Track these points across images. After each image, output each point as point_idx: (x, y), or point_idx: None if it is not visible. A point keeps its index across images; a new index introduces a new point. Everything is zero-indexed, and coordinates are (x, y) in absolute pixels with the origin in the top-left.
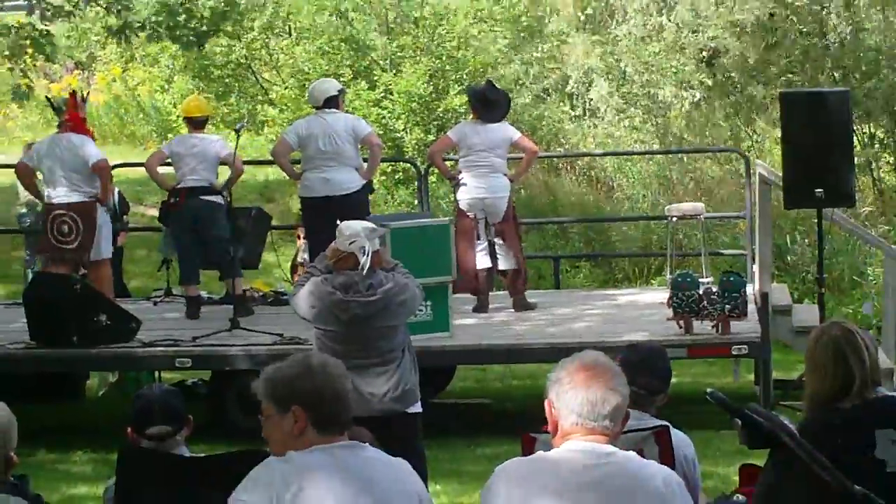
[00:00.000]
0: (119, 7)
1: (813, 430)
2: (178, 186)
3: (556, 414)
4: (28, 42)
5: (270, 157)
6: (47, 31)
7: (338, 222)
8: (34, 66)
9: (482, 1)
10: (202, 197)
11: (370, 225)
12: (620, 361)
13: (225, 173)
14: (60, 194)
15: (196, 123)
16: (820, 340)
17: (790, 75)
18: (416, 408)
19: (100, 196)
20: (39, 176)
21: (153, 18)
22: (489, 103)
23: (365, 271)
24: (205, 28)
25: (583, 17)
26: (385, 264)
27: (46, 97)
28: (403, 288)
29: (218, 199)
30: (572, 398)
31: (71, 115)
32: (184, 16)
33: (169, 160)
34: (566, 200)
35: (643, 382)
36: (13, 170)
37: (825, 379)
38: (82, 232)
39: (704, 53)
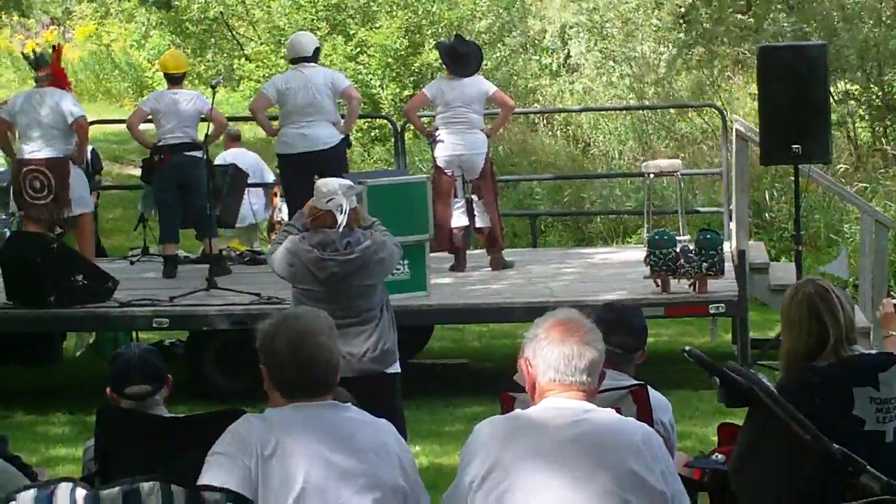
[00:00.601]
0: None
1: (790, 389)
2: (161, 144)
3: (534, 371)
4: None
5: (247, 114)
6: None
7: (315, 178)
8: (9, 22)
9: None
10: (186, 153)
11: (347, 182)
12: (595, 320)
13: (205, 129)
14: (34, 149)
15: (174, 79)
16: (795, 297)
17: (755, 33)
18: (395, 368)
19: (74, 154)
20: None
21: None
22: (460, 57)
23: (342, 229)
24: None
25: None
26: (362, 222)
27: (22, 53)
28: (381, 246)
29: (200, 154)
30: (549, 353)
31: (55, 68)
32: None
33: (150, 117)
34: (543, 157)
35: (618, 341)
36: None
37: (800, 336)
38: (55, 188)
39: (682, 9)
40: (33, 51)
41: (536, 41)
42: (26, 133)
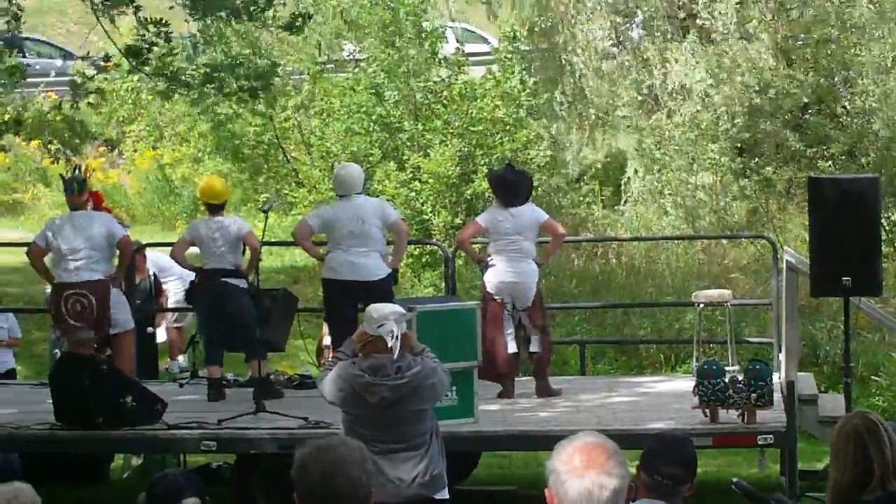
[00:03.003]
0: (167, 70)
1: None
2: (202, 269)
3: None
4: (61, 124)
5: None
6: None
7: (359, 306)
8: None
9: (508, 82)
10: (223, 279)
11: (399, 309)
12: (646, 451)
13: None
14: (74, 274)
15: (214, 208)
16: (842, 430)
17: (806, 159)
18: (444, 494)
19: (115, 274)
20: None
21: (202, 72)
22: (510, 186)
23: (396, 355)
24: (254, 84)
25: (617, 102)
26: (413, 348)
27: (62, 177)
28: (432, 372)
29: (241, 282)
30: (569, 489)
31: (91, 192)
32: (231, 73)
33: (194, 244)
34: (596, 284)
35: (668, 472)
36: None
37: (846, 468)
38: (97, 310)
39: (739, 144)
40: (74, 177)
41: (594, 170)
42: (66, 257)
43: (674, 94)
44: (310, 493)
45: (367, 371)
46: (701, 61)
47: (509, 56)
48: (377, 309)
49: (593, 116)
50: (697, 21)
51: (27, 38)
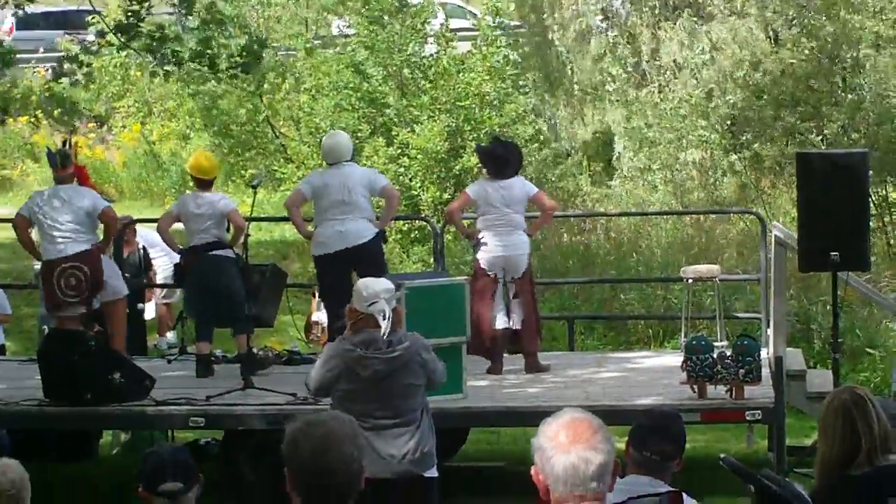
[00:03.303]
0: (161, 48)
1: (824, 497)
2: (189, 246)
3: (544, 481)
4: (48, 100)
5: (286, 214)
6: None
7: (353, 274)
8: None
9: (494, 56)
10: (211, 252)
11: (389, 285)
12: (635, 427)
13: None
14: (62, 248)
15: (203, 184)
16: (831, 404)
17: (800, 135)
18: (433, 472)
19: (102, 245)
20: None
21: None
22: (499, 159)
23: (385, 333)
24: (243, 61)
25: (605, 78)
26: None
27: (48, 150)
28: (423, 347)
29: (228, 252)
30: (555, 465)
31: (76, 166)
32: (217, 49)
33: (179, 219)
34: (584, 260)
35: (657, 448)
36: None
37: (833, 442)
38: (90, 280)
39: (729, 122)
40: (59, 150)
41: (581, 146)
42: (51, 231)
43: (663, 70)
44: (301, 468)
45: (359, 345)
46: (697, 38)
47: (492, 28)
48: (367, 286)
49: (577, 91)
50: None
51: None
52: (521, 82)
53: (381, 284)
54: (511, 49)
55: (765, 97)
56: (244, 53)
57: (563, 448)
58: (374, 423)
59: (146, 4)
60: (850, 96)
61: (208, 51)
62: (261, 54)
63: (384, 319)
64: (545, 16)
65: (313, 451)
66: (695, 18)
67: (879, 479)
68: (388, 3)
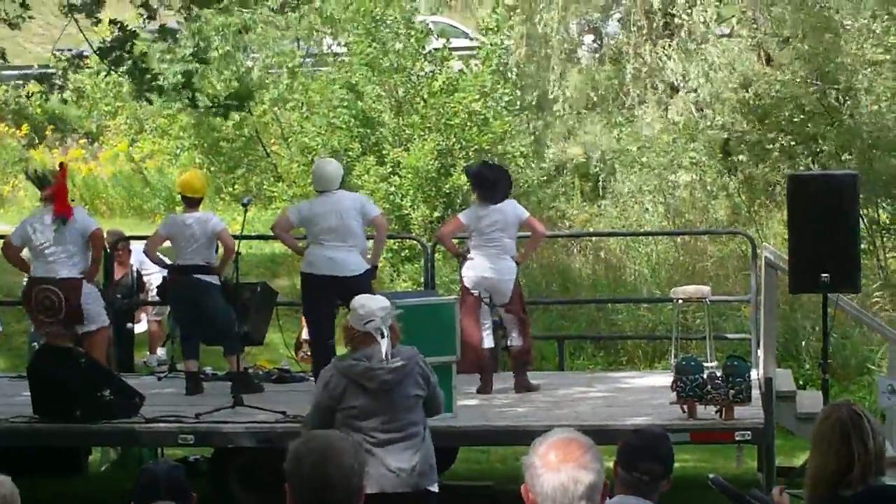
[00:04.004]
0: (143, 75)
1: None
2: (175, 264)
3: (534, 499)
4: (40, 114)
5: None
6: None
7: (337, 302)
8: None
9: (485, 75)
10: (196, 275)
11: (384, 303)
12: (623, 446)
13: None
14: (48, 269)
15: (191, 203)
16: (827, 419)
17: (791, 159)
18: (435, 487)
19: (89, 269)
20: (25, 251)
21: (174, 80)
22: (488, 183)
23: (384, 351)
24: (227, 102)
25: (595, 97)
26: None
27: (25, 173)
28: (422, 359)
29: (213, 278)
30: (545, 484)
31: (57, 187)
32: (200, 88)
33: (168, 239)
34: (574, 280)
35: (646, 468)
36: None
37: (828, 459)
38: (66, 306)
39: (721, 145)
40: (35, 170)
41: (570, 166)
42: (41, 253)
43: (654, 89)
44: (302, 483)
45: (363, 358)
46: (689, 61)
47: (493, 47)
48: (363, 305)
49: (567, 111)
50: (676, 20)
51: None
52: (508, 99)
53: (378, 303)
54: (503, 68)
55: (757, 121)
56: (228, 97)
57: (554, 467)
58: (382, 439)
59: (131, 37)
60: (845, 119)
61: (191, 84)
62: (245, 102)
63: (382, 337)
64: (536, 32)
65: (314, 464)
66: (685, 39)
67: (871, 499)
68: (393, 21)
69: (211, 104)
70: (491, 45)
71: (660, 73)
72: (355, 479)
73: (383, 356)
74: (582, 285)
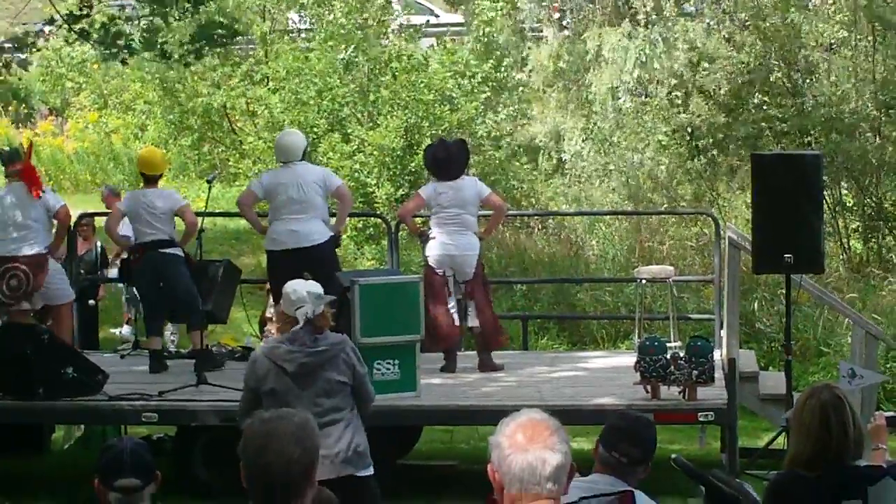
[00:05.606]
0: (115, 38)
1: (781, 491)
2: (137, 243)
3: (500, 479)
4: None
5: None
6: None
7: (305, 274)
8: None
9: (456, 54)
10: (161, 250)
11: (316, 289)
12: (606, 427)
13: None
14: (13, 247)
15: (150, 179)
16: (808, 402)
17: (754, 139)
18: (369, 471)
19: (52, 245)
20: None
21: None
22: (440, 162)
23: (309, 340)
24: (198, 46)
25: (553, 70)
26: (329, 326)
27: None
28: (351, 348)
29: (177, 251)
30: (512, 463)
31: (26, 164)
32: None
33: (127, 217)
34: (536, 260)
35: (625, 450)
36: None
37: (807, 441)
38: (32, 284)
39: (688, 128)
40: (5, 146)
41: (536, 144)
42: (6, 229)
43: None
44: (247, 465)
45: (284, 342)
46: (635, 42)
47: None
48: (295, 290)
49: (530, 90)
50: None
51: None
52: (478, 77)
53: (308, 288)
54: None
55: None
56: (194, 38)
57: (521, 447)
58: None
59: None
60: (807, 101)
61: (158, 38)
62: (214, 33)
63: (308, 323)
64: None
65: (256, 449)
66: (643, 19)
67: (834, 482)
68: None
69: (182, 49)
70: (479, 22)
71: (617, 52)
72: (296, 465)
73: (306, 339)
74: (543, 263)
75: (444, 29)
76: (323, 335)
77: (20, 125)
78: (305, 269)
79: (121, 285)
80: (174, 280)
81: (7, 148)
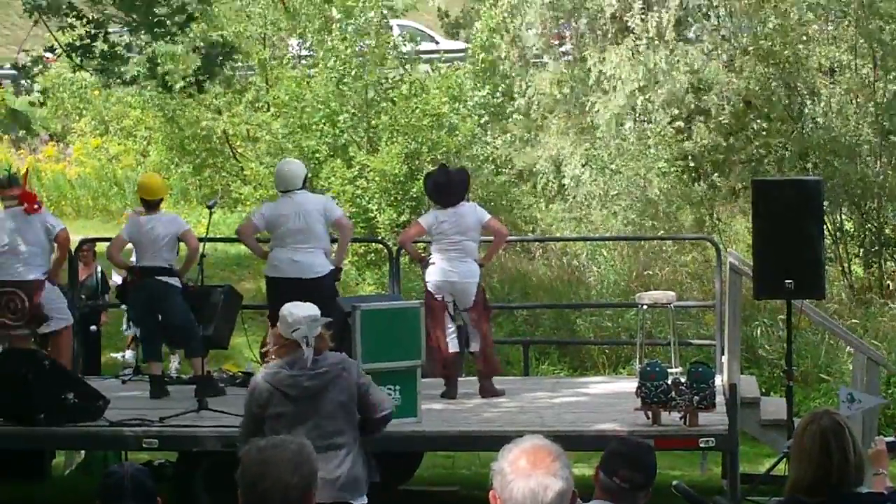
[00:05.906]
0: (114, 60)
1: None
2: (136, 265)
3: None
4: (4, 113)
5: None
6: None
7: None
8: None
9: (452, 78)
10: (157, 277)
11: (313, 312)
12: (607, 452)
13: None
14: (14, 273)
15: (150, 205)
16: (808, 428)
17: (755, 164)
18: (363, 500)
19: (51, 270)
20: None
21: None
22: (441, 188)
23: (309, 363)
24: (199, 77)
25: (559, 97)
26: (330, 345)
27: None
28: (352, 365)
29: (174, 280)
30: (514, 489)
31: (24, 190)
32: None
33: (130, 242)
34: (538, 285)
35: (626, 475)
36: None
37: (808, 468)
38: (28, 310)
39: (689, 155)
40: (5, 171)
41: (538, 169)
42: (5, 254)
43: (611, 87)
44: (244, 493)
45: (285, 366)
46: (636, 64)
47: (483, 62)
48: (291, 313)
49: (532, 115)
50: (630, 25)
51: None
52: (476, 101)
53: (305, 310)
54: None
55: (723, 137)
56: (199, 72)
57: (523, 473)
58: None
59: (102, 31)
60: (807, 125)
61: (157, 68)
62: (218, 64)
63: (307, 346)
64: (501, 39)
65: (253, 476)
66: (643, 43)
67: None
68: (368, 20)
69: (184, 82)
70: (479, 45)
71: (619, 76)
72: (293, 492)
73: (306, 363)
74: (544, 288)
75: (441, 56)
76: (322, 356)
77: (19, 146)
78: (304, 300)
79: (123, 307)
80: (170, 310)
81: (9, 173)
